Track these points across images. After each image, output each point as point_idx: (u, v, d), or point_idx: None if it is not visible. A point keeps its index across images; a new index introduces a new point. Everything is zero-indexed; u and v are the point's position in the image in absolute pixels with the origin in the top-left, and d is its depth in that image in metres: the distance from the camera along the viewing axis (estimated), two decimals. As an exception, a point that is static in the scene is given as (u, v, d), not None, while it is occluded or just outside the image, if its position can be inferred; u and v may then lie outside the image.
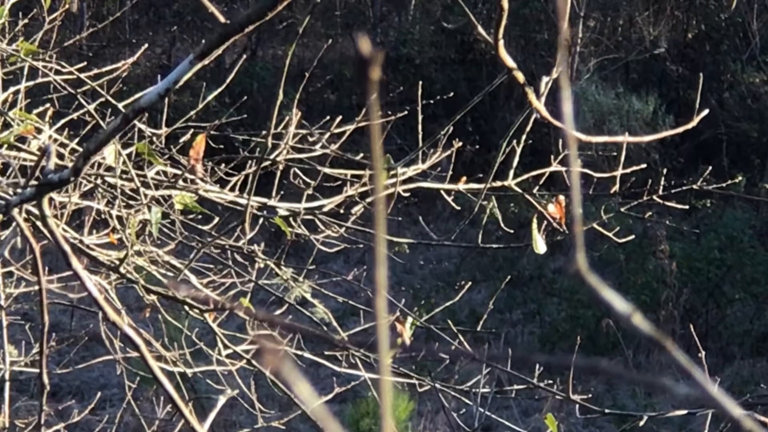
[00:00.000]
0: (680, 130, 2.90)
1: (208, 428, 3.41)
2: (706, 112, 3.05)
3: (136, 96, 4.45)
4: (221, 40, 2.32)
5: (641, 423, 3.87)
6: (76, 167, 2.68)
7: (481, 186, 4.23)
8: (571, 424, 12.22)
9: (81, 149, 4.24)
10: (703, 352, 3.83)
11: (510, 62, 2.35)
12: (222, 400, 3.82)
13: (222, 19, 2.35)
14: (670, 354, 0.92)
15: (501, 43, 2.29)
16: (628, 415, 4.25)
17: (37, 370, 5.22)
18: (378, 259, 0.87)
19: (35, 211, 3.55)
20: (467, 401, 4.64)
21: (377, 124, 0.95)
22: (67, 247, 2.83)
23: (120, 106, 4.39)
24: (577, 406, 4.02)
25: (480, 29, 2.63)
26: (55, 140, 4.29)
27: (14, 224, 4.10)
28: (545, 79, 2.64)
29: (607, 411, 4.26)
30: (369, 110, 0.93)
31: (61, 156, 4.11)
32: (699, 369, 0.93)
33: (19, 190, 3.43)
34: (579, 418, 12.96)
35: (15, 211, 3.01)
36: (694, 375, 0.90)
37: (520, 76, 2.41)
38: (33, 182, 2.88)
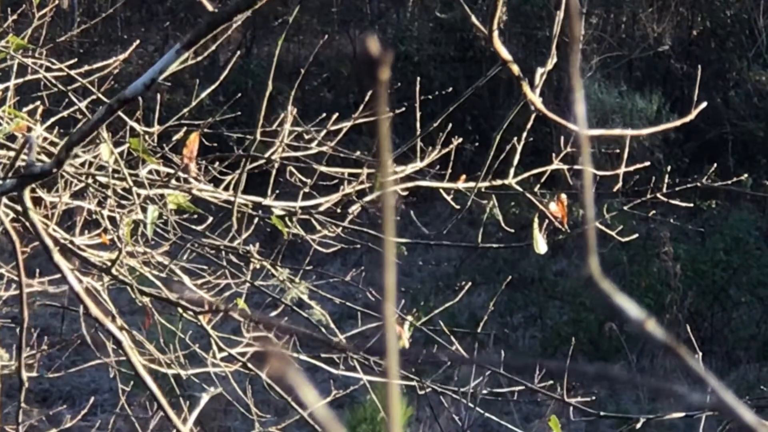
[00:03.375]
0: (678, 123, 2.82)
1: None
2: (704, 104, 2.96)
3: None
4: (209, 29, 2.28)
5: (638, 426, 3.82)
6: (59, 159, 2.63)
7: (480, 185, 4.15)
8: (572, 430, 12.14)
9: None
10: (700, 354, 3.75)
11: (505, 54, 2.31)
12: (205, 398, 3.73)
13: (210, 7, 2.29)
14: (682, 360, 0.90)
15: (495, 33, 2.25)
16: (625, 417, 4.19)
17: (29, 374, 5.13)
18: (386, 262, 0.84)
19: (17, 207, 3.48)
20: (469, 404, 4.55)
21: (386, 127, 0.88)
22: (49, 241, 2.76)
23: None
24: (571, 408, 3.97)
25: (474, 20, 2.58)
26: (45, 138, 4.22)
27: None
28: (540, 70, 2.60)
29: (602, 414, 4.22)
30: (374, 112, 0.87)
31: (51, 155, 4.04)
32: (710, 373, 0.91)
33: None
34: (581, 424, 12.88)
35: None
36: (709, 381, 0.88)
37: (516, 69, 2.36)
38: (13, 173, 2.81)
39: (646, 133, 2.98)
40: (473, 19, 2.60)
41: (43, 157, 4.01)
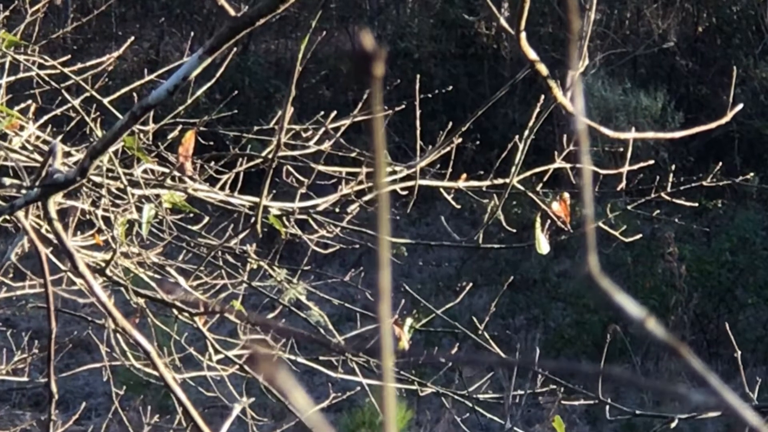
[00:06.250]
0: (713, 125, 2.75)
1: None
2: (740, 106, 2.89)
3: (128, 88, 4.36)
4: (232, 34, 2.26)
5: (673, 425, 3.78)
6: (83, 167, 2.61)
7: (482, 184, 4.09)
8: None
9: (64, 146, 4.12)
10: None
11: (532, 55, 2.31)
12: (237, 409, 3.67)
13: (232, 12, 2.25)
14: (684, 360, 0.89)
15: (523, 34, 2.27)
16: (659, 416, 4.17)
17: (21, 378, 5.07)
18: (381, 261, 0.83)
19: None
20: (482, 409, 4.49)
21: (380, 126, 0.83)
22: (74, 251, 2.73)
23: (105, 101, 4.28)
24: (607, 408, 3.95)
25: (503, 21, 2.54)
26: (38, 137, 4.15)
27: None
28: (571, 73, 2.56)
29: (638, 412, 4.20)
30: (371, 109, 0.85)
31: (44, 154, 3.98)
32: (714, 375, 0.89)
33: (23, 191, 3.34)
34: (583, 427, 12.81)
35: (20, 213, 2.94)
36: (710, 382, 0.88)
37: (544, 69, 2.36)
38: (38, 183, 2.78)
39: (679, 136, 2.92)
40: (502, 21, 2.56)
41: (37, 156, 3.94)
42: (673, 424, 3.80)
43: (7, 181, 3.77)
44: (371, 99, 0.83)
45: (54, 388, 2.95)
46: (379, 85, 0.83)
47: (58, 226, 2.70)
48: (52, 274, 4.04)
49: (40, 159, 3.56)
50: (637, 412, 4.23)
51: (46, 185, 2.70)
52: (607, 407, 4.00)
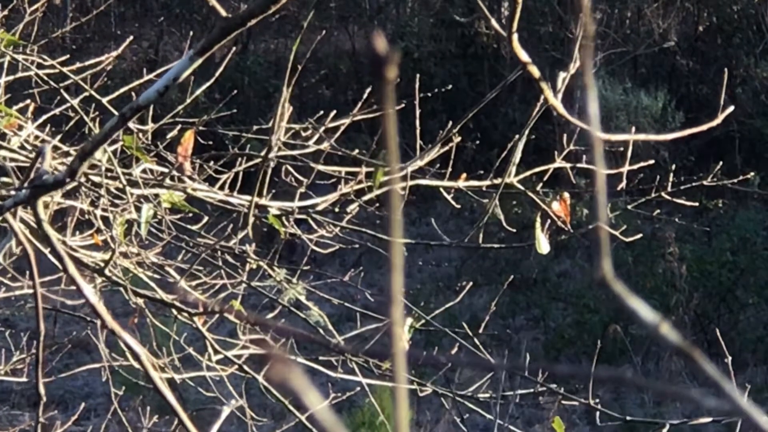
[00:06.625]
0: (705, 127, 2.74)
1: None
2: (731, 109, 2.89)
3: (127, 87, 4.35)
4: (222, 35, 2.25)
5: (664, 431, 3.77)
6: (72, 168, 2.59)
7: (482, 183, 4.07)
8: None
9: (62, 146, 4.11)
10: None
11: (524, 57, 2.30)
12: (226, 411, 3.67)
13: (223, 12, 2.23)
14: (696, 364, 0.89)
15: (515, 36, 2.23)
16: (650, 422, 4.17)
17: (19, 379, 5.06)
18: (392, 263, 0.83)
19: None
20: (480, 409, 4.48)
21: (393, 128, 0.84)
22: (63, 253, 2.72)
23: (104, 101, 4.26)
24: (597, 413, 3.94)
25: (494, 23, 2.53)
26: (37, 137, 4.14)
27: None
28: (562, 75, 2.56)
29: (628, 418, 4.19)
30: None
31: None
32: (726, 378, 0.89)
33: (12, 192, 3.33)
34: (583, 428, 12.79)
35: (8, 215, 2.93)
36: (723, 386, 0.87)
37: (536, 71, 2.34)
38: (27, 184, 2.77)
39: (672, 138, 2.92)
40: (493, 23, 2.55)
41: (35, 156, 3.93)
42: (664, 430, 3.79)
43: (-1, 181, 3.76)
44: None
45: (42, 390, 2.93)
46: (392, 87, 0.82)
47: (48, 227, 2.69)
48: (51, 273, 4.04)
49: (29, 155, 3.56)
50: (628, 418, 4.23)
51: (35, 186, 2.69)
52: (598, 413, 3.99)
